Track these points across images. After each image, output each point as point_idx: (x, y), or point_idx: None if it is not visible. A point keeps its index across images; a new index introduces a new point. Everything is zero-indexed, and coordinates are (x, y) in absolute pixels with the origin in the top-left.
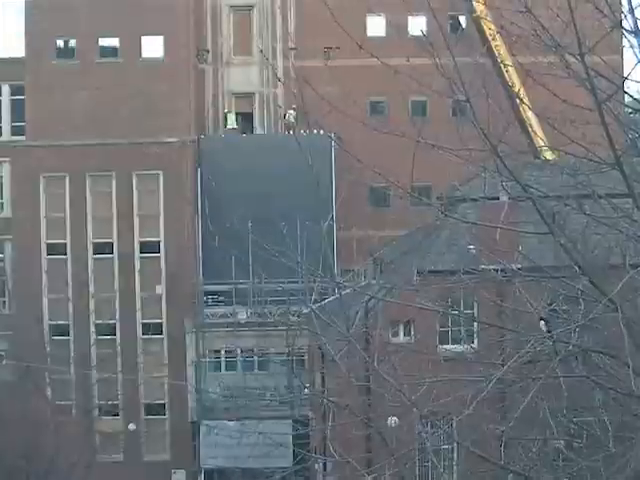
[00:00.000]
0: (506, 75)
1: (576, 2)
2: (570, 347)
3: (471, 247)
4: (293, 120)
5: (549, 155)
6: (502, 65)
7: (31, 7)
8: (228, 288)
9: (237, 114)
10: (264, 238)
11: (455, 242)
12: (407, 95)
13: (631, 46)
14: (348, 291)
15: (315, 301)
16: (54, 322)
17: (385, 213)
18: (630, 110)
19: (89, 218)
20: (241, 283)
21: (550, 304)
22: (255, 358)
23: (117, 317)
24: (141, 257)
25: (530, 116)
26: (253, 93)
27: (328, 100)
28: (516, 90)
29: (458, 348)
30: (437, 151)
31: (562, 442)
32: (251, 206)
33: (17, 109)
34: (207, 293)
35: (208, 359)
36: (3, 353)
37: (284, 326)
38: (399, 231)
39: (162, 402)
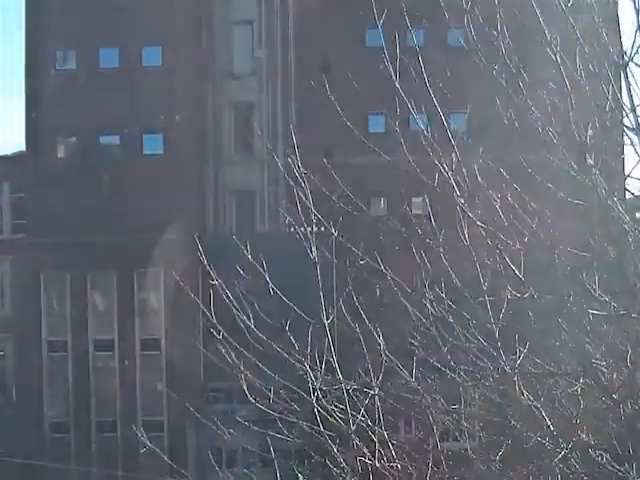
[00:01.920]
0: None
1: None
2: (570, 444)
3: (473, 345)
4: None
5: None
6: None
7: (32, 101)
8: (229, 385)
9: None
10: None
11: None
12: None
13: (632, 144)
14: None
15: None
16: (55, 420)
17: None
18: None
19: (90, 315)
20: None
21: (551, 401)
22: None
23: (117, 414)
24: (142, 354)
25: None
26: (254, 191)
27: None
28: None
29: (459, 445)
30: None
31: None
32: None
33: (18, 207)
34: (208, 390)
35: (209, 456)
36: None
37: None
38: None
39: None
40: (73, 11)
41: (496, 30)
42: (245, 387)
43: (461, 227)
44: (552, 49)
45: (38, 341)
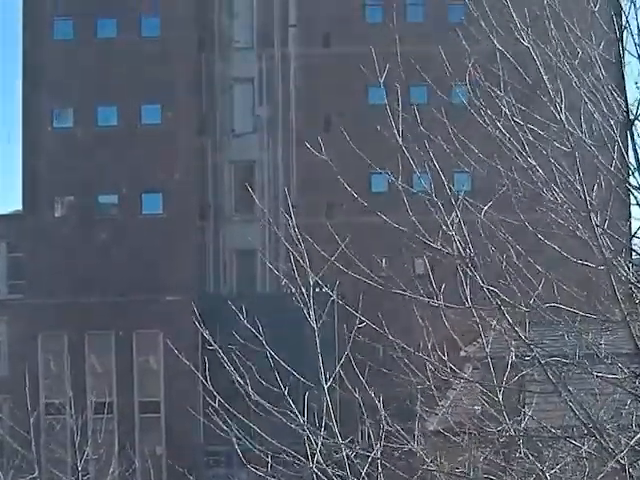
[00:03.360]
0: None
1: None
2: None
3: (477, 408)
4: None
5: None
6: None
7: (28, 159)
8: (229, 449)
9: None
10: (267, 395)
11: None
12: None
13: (637, 203)
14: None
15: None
16: None
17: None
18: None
19: (88, 376)
20: (243, 445)
21: (557, 464)
22: None
23: (116, 479)
24: (141, 417)
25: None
26: (254, 250)
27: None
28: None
29: None
30: (441, 309)
31: None
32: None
33: (15, 266)
34: (208, 454)
35: None
36: None
37: None
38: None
39: None
40: (70, 68)
41: (499, 88)
42: (241, 453)
43: (463, 288)
44: (556, 107)
45: (36, 403)
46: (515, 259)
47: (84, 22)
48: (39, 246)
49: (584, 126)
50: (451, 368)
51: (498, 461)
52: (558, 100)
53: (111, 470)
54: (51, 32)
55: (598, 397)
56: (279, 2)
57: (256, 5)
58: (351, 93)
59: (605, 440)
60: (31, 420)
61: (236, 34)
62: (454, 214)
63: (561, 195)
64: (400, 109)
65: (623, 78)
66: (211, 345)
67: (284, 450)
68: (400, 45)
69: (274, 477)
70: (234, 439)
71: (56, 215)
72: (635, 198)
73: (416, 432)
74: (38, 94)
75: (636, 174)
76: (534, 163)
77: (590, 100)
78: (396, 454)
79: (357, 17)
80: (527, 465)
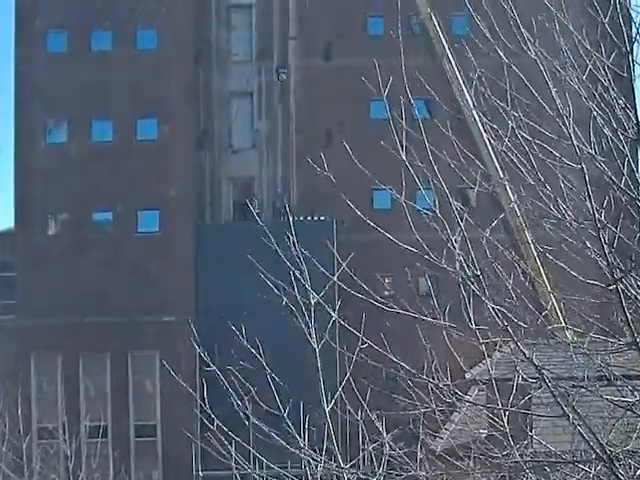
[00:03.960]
0: (522, 250)
1: (590, 176)
2: None
3: (482, 431)
4: None
5: (565, 335)
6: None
7: (21, 175)
8: (227, 474)
9: None
10: (266, 420)
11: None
12: (414, 271)
13: None
14: None
15: None
16: None
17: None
18: None
19: (82, 399)
20: (241, 469)
21: None
22: None
23: None
24: (137, 441)
25: (546, 293)
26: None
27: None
28: (532, 266)
29: None
30: (446, 331)
31: None
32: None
33: (6, 286)
34: (206, 478)
35: None
36: None
37: None
38: (410, 415)
39: None
40: (64, 82)
41: (505, 101)
42: (240, 478)
43: (468, 308)
44: (565, 122)
45: (28, 428)
46: (522, 278)
47: (78, 35)
48: (32, 265)
49: (593, 141)
50: (455, 390)
51: None
52: (566, 114)
53: None
54: (44, 45)
55: (608, 421)
56: (279, 14)
57: (255, 17)
58: (352, 107)
59: (615, 465)
60: (23, 445)
61: (234, 47)
62: (459, 231)
63: (569, 212)
64: (404, 123)
65: (633, 91)
66: (209, 366)
67: (284, 474)
68: (401, 57)
69: None
70: (233, 464)
71: (49, 233)
72: None
73: (420, 456)
74: (31, 108)
75: None
76: (541, 179)
77: (599, 114)
78: (399, 479)
79: (358, 29)
80: None
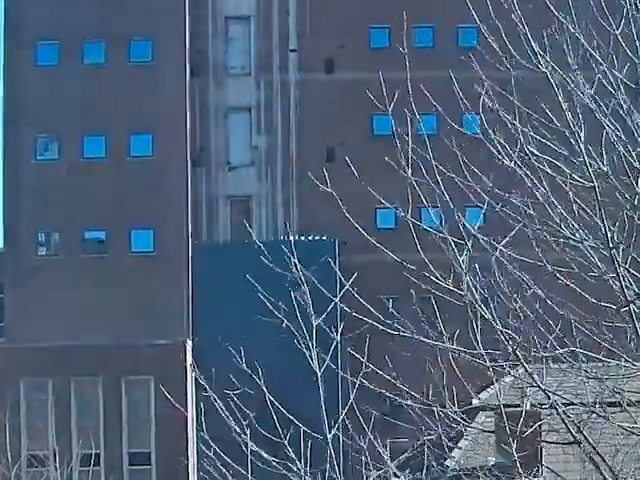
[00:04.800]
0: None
1: (601, 194)
2: None
3: (490, 459)
4: None
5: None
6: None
7: (9, 194)
8: None
9: None
10: (264, 441)
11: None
12: (419, 293)
13: None
14: None
15: None
16: None
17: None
18: None
19: (74, 426)
20: None
21: None
22: None
23: None
24: (130, 469)
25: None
26: None
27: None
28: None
29: None
30: (452, 355)
31: None
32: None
33: None
34: None
35: None
36: None
37: None
38: (414, 442)
39: None
40: (54, 96)
41: (514, 116)
42: None
43: (474, 331)
44: (576, 137)
45: (17, 455)
46: (531, 300)
47: (69, 46)
48: (21, 287)
49: (605, 157)
50: (462, 417)
51: None
52: (577, 129)
53: None
54: (34, 57)
55: (620, 448)
56: (278, 25)
57: (254, 28)
58: (355, 122)
59: None
60: (12, 473)
61: (232, 59)
62: (465, 252)
63: (580, 231)
64: (410, 139)
65: None
66: (207, 391)
67: None
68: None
69: None
70: None
71: (40, 253)
72: None
73: None
74: (20, 123)
75: None
76: (552, 197)
77: (611, 129)
78: None
79: (361, 41)
80: None
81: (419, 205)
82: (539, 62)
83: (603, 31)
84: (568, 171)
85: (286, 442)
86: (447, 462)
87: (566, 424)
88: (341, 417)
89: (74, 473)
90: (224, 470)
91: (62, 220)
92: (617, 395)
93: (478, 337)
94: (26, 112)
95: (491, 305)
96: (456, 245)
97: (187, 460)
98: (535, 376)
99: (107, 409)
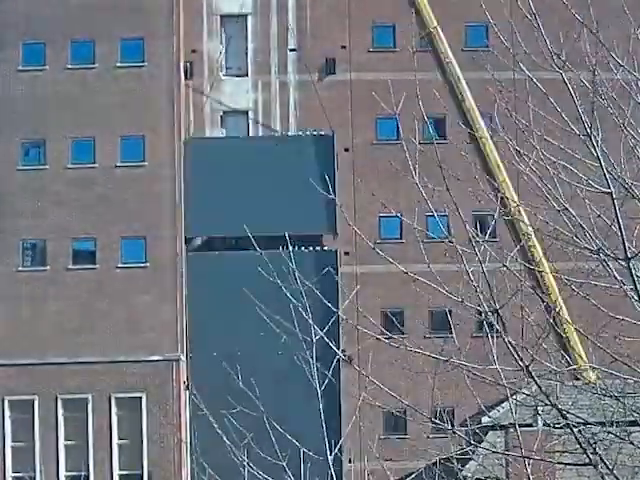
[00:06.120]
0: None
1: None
2: None
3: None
4: None
5: (590, 375)
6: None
7: None
8: None
9: None
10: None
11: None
12: (426, 304)
13: None
14: None
15: None
16: None
17: (402, 442)
18: None
19: (61, 446)
20: None
21: None
22: None
23: None
24: None
25: (568, 330)
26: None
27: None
28: (553, 300)
29: None
30: (461, 371)
31: None
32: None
33: None
34: None
35: None
36: None
37: None
38: (417, 463)
39: None
40: (41, 99)
41: (527, 120)
42: None
43: (487, 345)
44: (593, 143)
45: (2, 477)
46: (545, 313)
47: (57, 47)
48: (5, 299)
49: (624, 164)
50: (473, 435)
51: None
52: (595, 134)
53: None
54: (19, 58)
55: (638, 470)
56: (277, 23)
57: (251, 27)
58: (358, 126)
59: None
60: None
61: (228, 60)
62: (476, 262)
63: (597, 241)
64: (417, 144)
65: None
66: (202, 410)
67: None
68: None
69: None
70: None
71: (25, 264)
72: None
73: None
74: (4, 128)
75: None
76: (567, 205)
77: (631, 134)
78: None
79: (364, 41)
80: None
81: (427, 213)
82: (554, 63)
83: (624, 33)
84: (584, 177)
85: (284, 464)
86: None
87: (581, 444)
88: (342, 439)
89: None
90: None
91: (49, 231)
92: (635, 414)
93: (494, 351)
94: (10, 116)
95: (502, 318)
96: (465, 255)
97: None
98: (548, 393)
99: (96, 429)
